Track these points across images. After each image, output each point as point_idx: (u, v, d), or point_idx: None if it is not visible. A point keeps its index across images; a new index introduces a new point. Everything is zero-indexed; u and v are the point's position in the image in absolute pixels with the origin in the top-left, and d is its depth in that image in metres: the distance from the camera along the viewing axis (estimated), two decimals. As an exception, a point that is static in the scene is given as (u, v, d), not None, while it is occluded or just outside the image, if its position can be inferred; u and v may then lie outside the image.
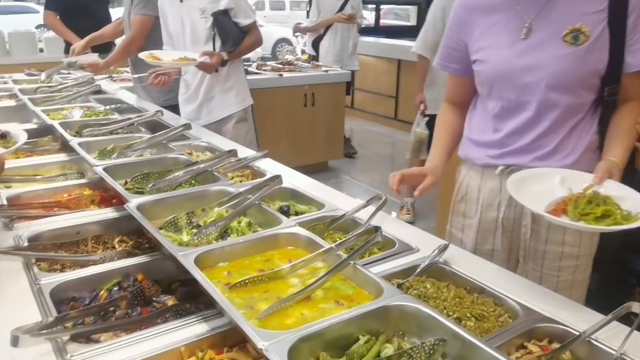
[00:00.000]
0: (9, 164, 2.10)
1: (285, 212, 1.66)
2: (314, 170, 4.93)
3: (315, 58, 5.83)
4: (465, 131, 1.71)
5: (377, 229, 1.18)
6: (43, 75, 3.66)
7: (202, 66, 2.75)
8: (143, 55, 2.79)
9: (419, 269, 1.32)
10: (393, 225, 1.59)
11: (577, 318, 1.12)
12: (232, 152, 1.89)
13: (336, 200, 1.77)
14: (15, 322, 1.01)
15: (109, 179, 1.66)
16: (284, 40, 13.30)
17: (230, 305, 1.01)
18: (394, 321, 1.03)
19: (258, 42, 2.97)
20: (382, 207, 1.60)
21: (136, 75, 3.82)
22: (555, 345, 1.07)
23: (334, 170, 5.58)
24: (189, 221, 1.47)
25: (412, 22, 9.43)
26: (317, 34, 5.75)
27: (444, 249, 1.39)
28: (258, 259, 1.27)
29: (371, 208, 1.62)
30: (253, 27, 2.90)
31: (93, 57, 3.67)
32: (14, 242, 1.42)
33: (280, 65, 5.52)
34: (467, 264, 1.37)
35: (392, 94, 7.36)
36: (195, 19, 2.81)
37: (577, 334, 1.05)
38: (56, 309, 1.15)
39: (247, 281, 1.14)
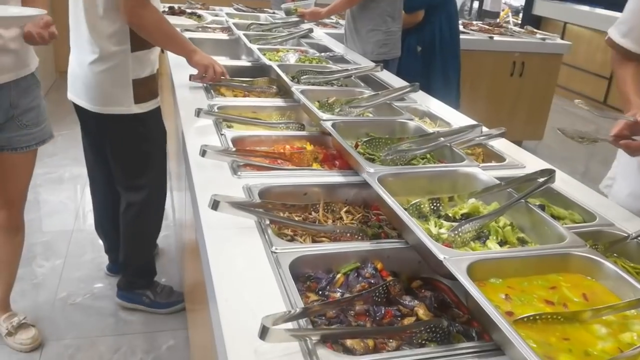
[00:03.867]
0: (229, 101, 2.05)
1: (543, 214, 1.33)
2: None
3: None
4: None
5: None
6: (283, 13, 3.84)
7: None
8: None
9: None
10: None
11: None
12: (477, 128, 1.59)
13: (604, 208, 1.38)
14: (257, 296, 0.93)
15: (341, 140, 1.47)
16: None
17: (532, 352, 0.75)
18: None
19: None
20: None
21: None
22: None
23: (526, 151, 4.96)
24: (434, 208, 1.22)
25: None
26: None
27: None
28: (539, 283, 0.97)
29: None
30: None
31: (312, 5, 3.58)
32: (245, 194, 1.30)
33: (488, 27, 4.98)
34: None
35: (605, 74, 6.36)
36: None
37: None
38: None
39: (537, 317, 0.86)
